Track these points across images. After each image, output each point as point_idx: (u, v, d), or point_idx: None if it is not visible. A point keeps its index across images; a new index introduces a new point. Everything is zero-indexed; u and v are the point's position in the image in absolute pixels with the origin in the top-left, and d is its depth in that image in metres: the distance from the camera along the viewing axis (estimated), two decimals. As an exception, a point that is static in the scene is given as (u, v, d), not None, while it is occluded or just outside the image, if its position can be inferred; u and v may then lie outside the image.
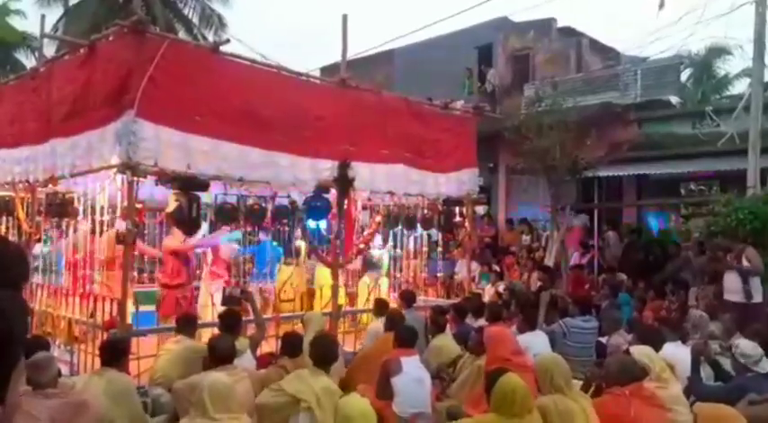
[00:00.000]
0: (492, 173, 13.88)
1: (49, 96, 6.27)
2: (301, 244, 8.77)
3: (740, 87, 19.65)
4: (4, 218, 8.04)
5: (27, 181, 6.67)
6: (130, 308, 6.56)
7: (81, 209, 6.57)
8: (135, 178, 5.07)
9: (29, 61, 19.83)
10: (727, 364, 4.73)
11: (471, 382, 4.87)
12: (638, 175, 11.86)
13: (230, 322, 4.93)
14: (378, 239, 8.64)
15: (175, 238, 6.92)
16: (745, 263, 7.21)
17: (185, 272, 7.02)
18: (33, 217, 7.08)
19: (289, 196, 7.05)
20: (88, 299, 5.84)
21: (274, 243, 8.53)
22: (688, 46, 24.30)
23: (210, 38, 17.93)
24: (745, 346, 4.36)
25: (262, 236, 8.35)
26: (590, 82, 13.24)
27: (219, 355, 4.06)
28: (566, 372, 3.70)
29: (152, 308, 7.01)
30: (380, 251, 9.00)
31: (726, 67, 21.84)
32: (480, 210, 12.02)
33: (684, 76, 19.36)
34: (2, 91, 7.58)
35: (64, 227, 7.08)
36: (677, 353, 4.77)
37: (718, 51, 21.07)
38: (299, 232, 8.60)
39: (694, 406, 3.94)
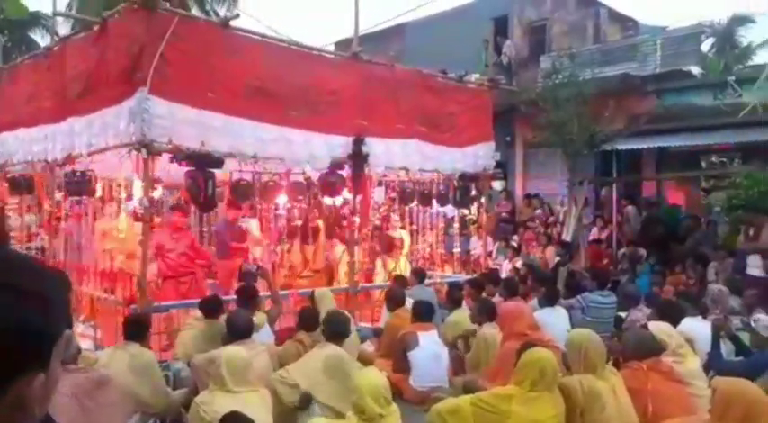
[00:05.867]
0: (508, 147, 13.72)
1: (63, 74, 6.28)
2: (320, 222, 8.74)
3: (764, 56, 19.16)
4: (25, 196, 8.16)
5: (45, 160, 6.71)
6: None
7: (99, 187, 6.63)
8: (151, 156, 5.09)
9: (43, 41, 19.83)
10: (747, 339, 4.66)
11: (479, 353, 4.88)
12: (658, 148, 11.63)
13: (246, 297, 4.98)
14: (398, 232, 8.58)
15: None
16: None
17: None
18: (53, 195, 7.15)
19: (303, 173, 7.05)
20: (111, 276, 5.92)
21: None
22: (710, 15, 23.68)
23: (222, 13, 17.80)
24: (766, 318, 4.30)
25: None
26: (608, 53, 12.92)
27: (237, 330, 4.11)
28: (600, 349, 3.51)
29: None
30: (401, 232, 8.90)
31: (749, 35, 21.26)
32: (497, 185, 11.92)
33: (706, 46, 18.86)
34: (18, 70, 7.62)
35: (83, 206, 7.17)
36: (697, 327, 4.72)
37: (742, 20, 20.49)
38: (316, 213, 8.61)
39: (712, 380, 3.90)
